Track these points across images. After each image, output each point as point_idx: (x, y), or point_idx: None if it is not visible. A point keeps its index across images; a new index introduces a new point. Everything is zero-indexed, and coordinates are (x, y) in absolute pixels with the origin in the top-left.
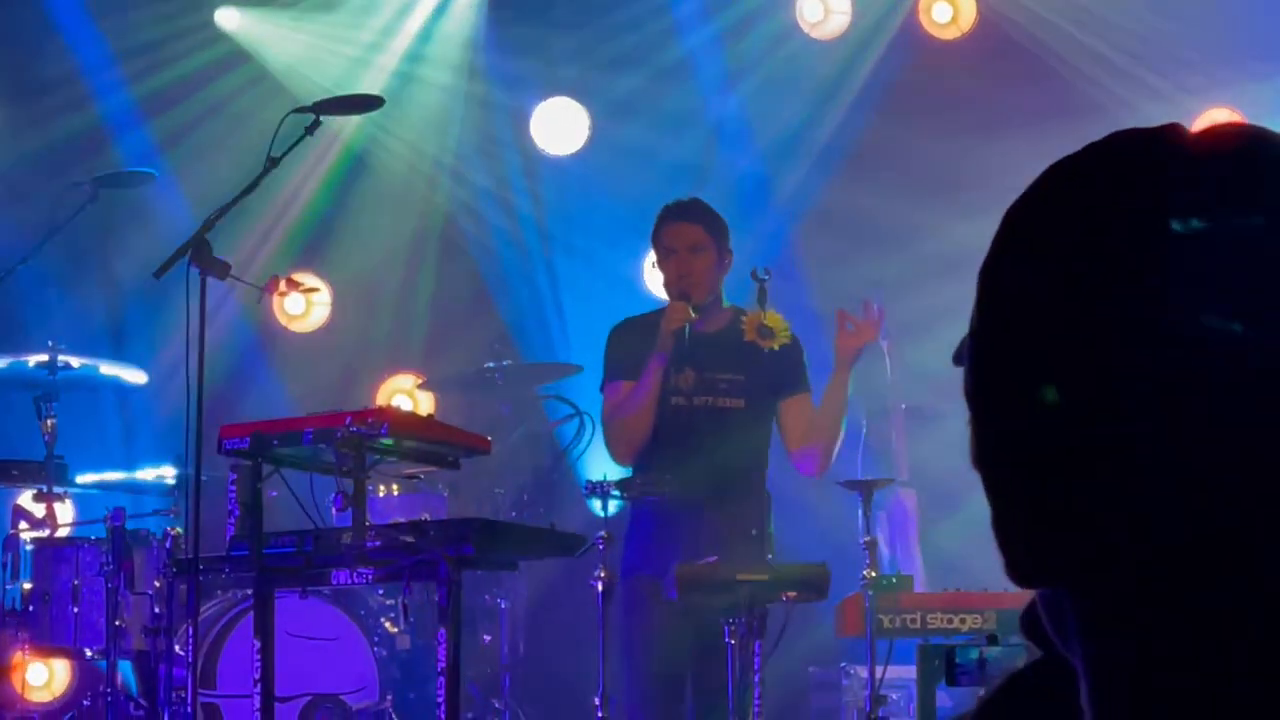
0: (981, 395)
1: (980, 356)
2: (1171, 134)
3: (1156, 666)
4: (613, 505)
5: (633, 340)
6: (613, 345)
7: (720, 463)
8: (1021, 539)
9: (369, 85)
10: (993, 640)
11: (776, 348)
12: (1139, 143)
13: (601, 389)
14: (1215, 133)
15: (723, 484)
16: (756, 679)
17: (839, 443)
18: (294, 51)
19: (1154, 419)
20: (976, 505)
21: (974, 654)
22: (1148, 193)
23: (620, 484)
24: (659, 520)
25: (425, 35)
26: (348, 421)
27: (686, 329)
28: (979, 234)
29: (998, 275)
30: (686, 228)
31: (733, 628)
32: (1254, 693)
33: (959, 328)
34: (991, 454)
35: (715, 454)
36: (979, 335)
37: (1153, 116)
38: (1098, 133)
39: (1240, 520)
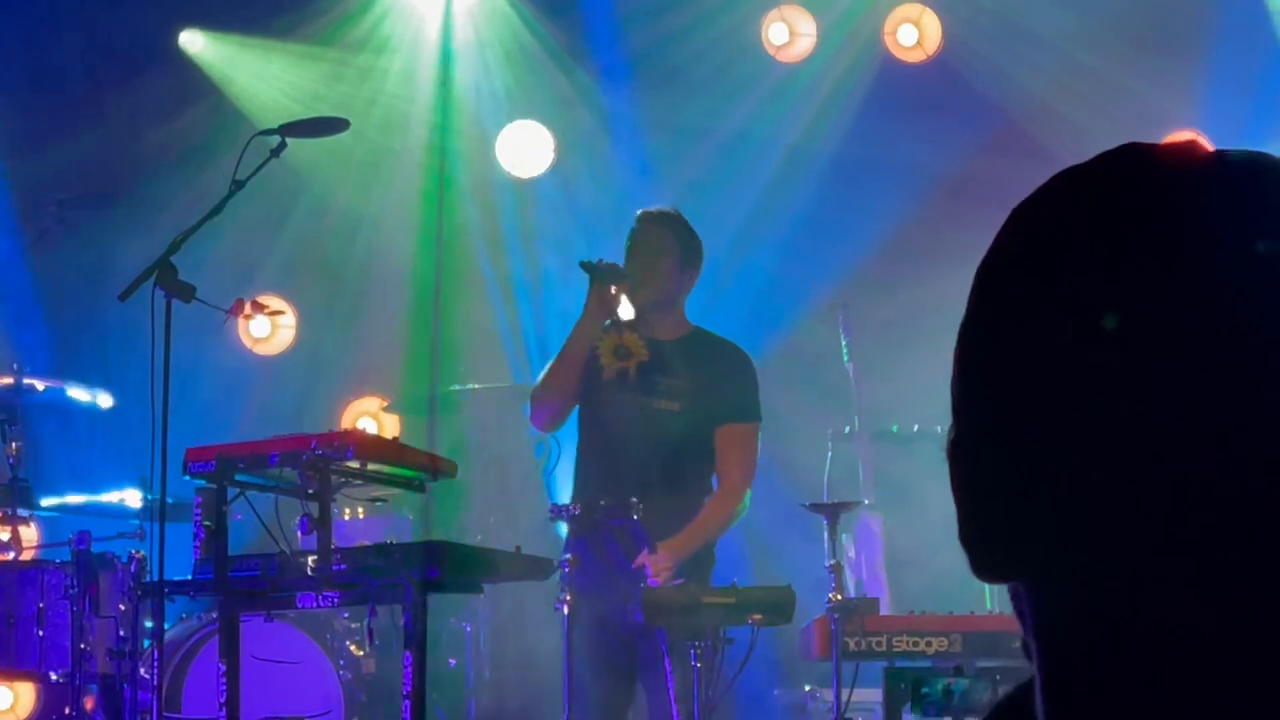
0: (960, 385)
1: (964, 347)
2: (1184, 150)
3: (1107, 663)
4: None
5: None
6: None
7: (653, 464)
8: (982, 531)
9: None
10: (959, 671)
11: (634, 366)
12: (1152, 155)
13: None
14: (1224, 154)
15: (654, 484)
16: (696, 705)
17: (728, 522)
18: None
19: (1120, 416)
20: (942, 527)
21: (940, 684)
22: (1159, 205)
23: (585, 508)
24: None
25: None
26: (313, 444)
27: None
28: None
29: (993, 271)
30: (655, 230)
31: (699, 650)
32: (1208, 697)
33: (921, 351)
34: (962, 445)
35: (649, 455)
36: (967, 327)
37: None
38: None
39: (1203, 520)
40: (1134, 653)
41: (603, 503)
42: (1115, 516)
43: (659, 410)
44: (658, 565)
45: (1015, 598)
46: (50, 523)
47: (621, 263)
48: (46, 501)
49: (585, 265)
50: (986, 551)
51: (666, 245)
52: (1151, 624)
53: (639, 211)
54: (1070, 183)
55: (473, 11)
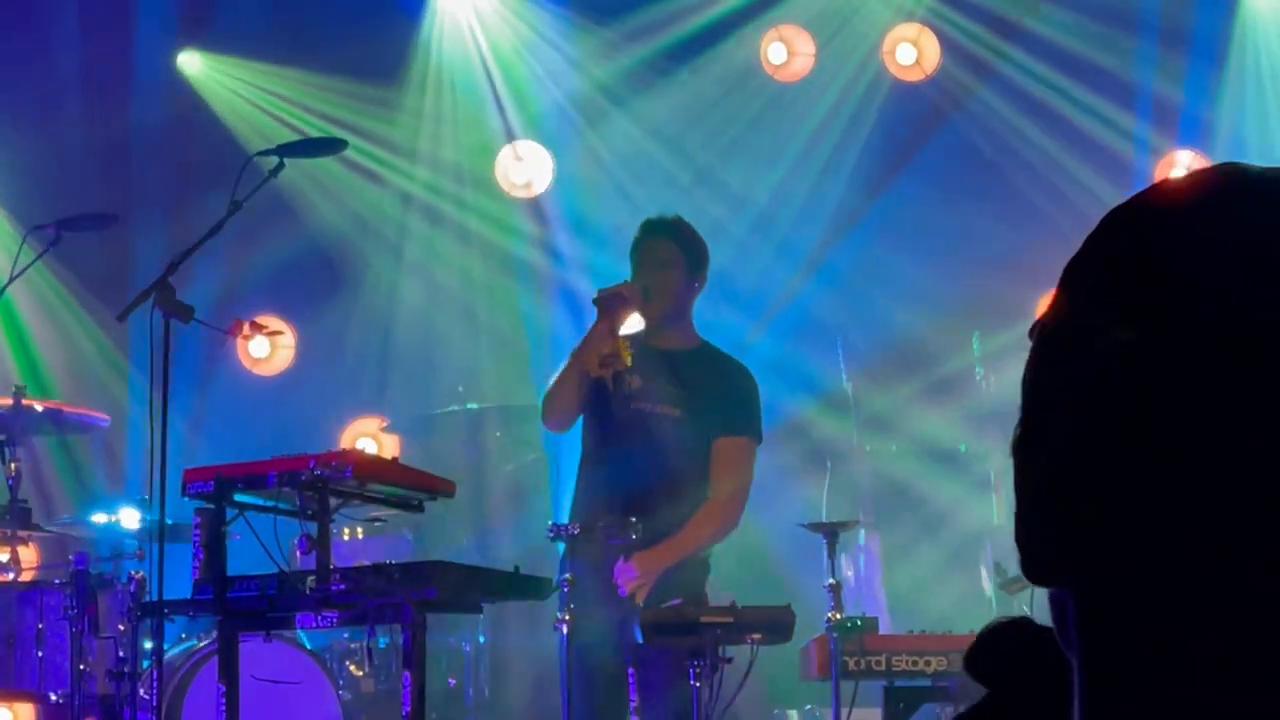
0: (1033, 384)
1: (1043, 345)
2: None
3: (1148, 669)
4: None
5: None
6: None
7: (651, 469)
8: (1041, 534)
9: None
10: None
11: (622, 368)
12: (1248, 176)
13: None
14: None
15: (652, 489)
16: None
17: (726, 511)
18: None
19: (1199, 430)
20: (940, 546)
21: None
22: (1256, 227)
23: (585, 528)
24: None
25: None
26: (312, 465)
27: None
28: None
29: (1082, 274)
30: (658, 243)
31: (698, 669)
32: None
33: (921, 370)
34: (1028, 444)
35: (648, 459)
36: (1049, 325)
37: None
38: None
39: (1252, 535)
40: (1187, 660)
41: (601, 523)
42: (1182, 530)
43: (658, 414)
44: (625, 577)
45: (1057, 603)
46: (49, 544)
47: (630, 275)
48: (45, 522)
49: (595, 299)
50: (1043, 555)
51: (671, 258)
52: (1208, 634)
53: (643, 221)
54: (1168, 196)
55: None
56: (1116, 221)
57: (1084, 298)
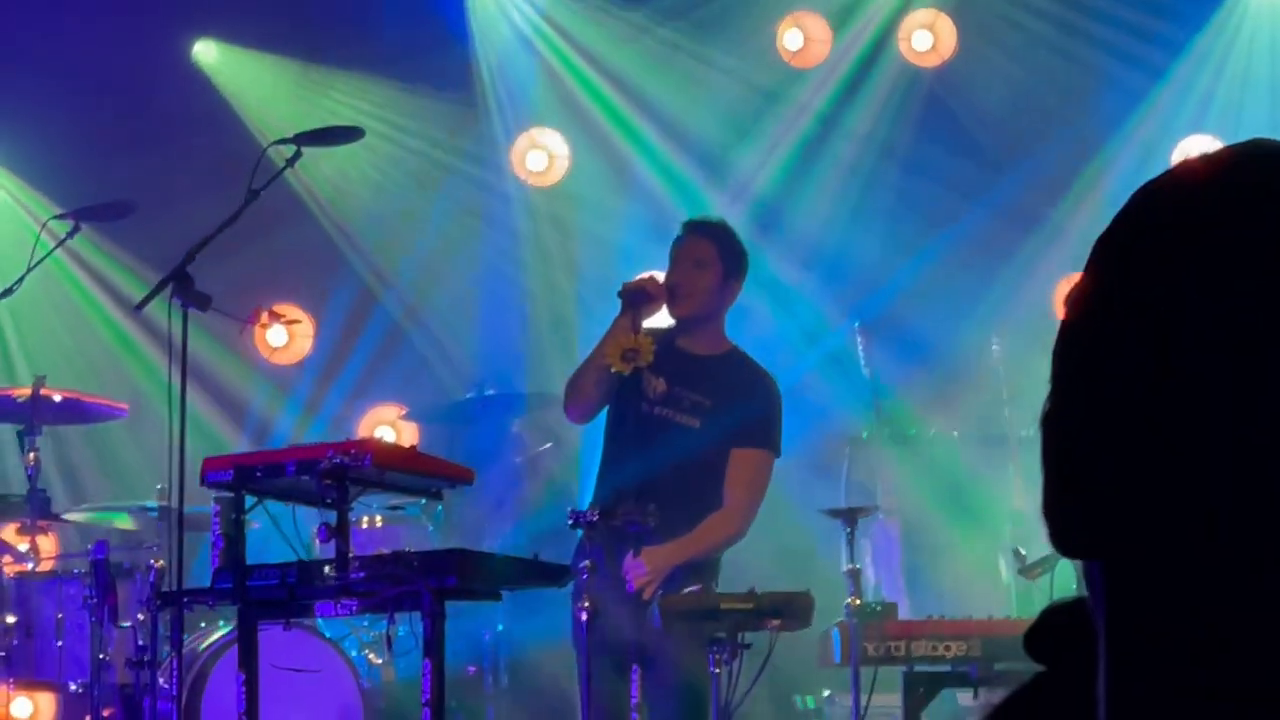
0: (1063, 358)
1: (1074, 319)
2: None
3: (1164, 642)
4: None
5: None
6: None
7: (667, 477)
8: (1066, 508)
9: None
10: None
11: (643, 364)
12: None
13: None
14: None
15: (665, 494)
16: (715, 711)
17: (735, 522)
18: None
19: (1227, 407)
20: (958, 532)
21: None
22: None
23: (604, 514)
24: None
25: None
26: (330, 453)
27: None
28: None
29: (1116, 249)
30: (698, 241)
31: (717, 656)
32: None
33: (939, 354)
34: (1057, 419)
35: (664, 466)
36: (1080, 299)
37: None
38: None
39: (1261, 524)
40: (1211, 632)
41: (621, 510)
42: (1210, 504)
43: (678, 424)
44: (635, 571)
45: (1088, 574)
46: (69, 533)
47: (664, 271)
48: (65, 511)
49: (620, 292)
50: (1069, 527)
51: (708, 259)
52: (1233, 607)
53: (685, 220)
54: (1201, 172)
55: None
56: (1143, 203)
57: (1110, 278)
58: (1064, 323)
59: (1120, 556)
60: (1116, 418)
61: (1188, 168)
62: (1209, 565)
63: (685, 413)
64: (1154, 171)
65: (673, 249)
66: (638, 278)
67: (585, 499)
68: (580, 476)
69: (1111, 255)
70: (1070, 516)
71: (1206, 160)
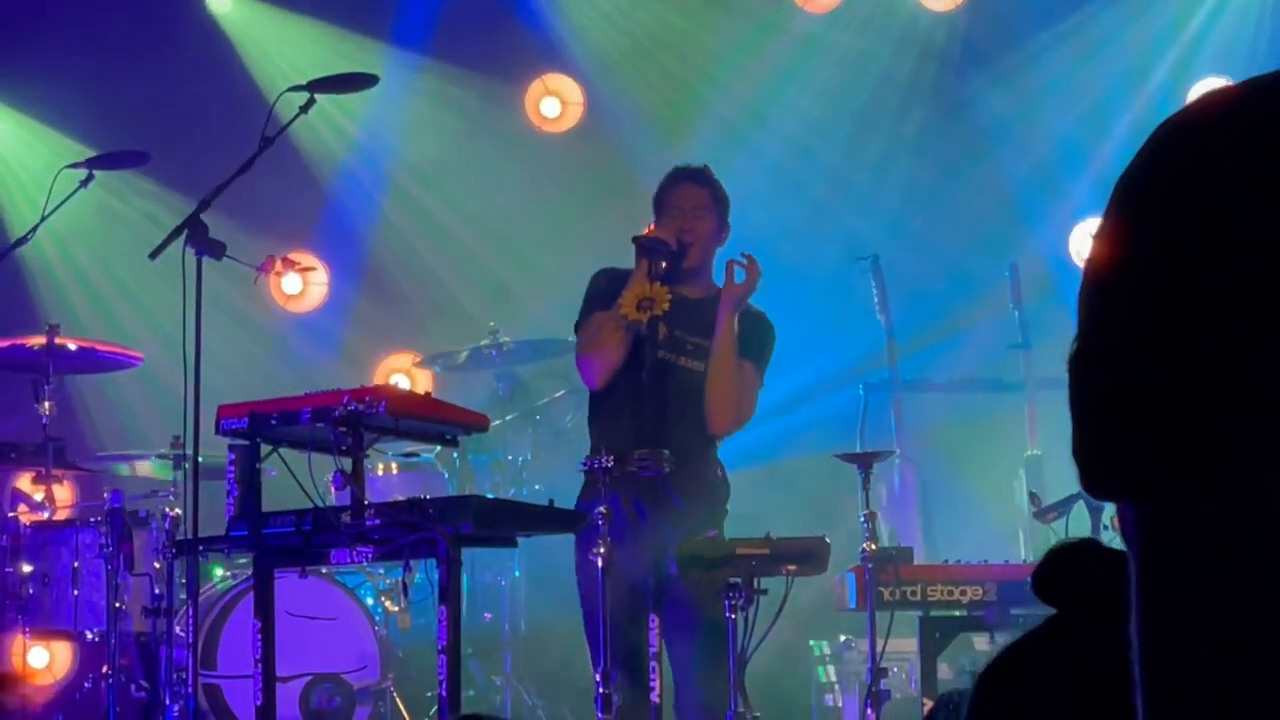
0: (1090, 298)
1: (1099, 259)
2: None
3: (1206, 584)
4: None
5: (611, 284)
6: (591, 286)
7: (677, 420)
8: (1098, 449)
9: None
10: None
11: (659, 313)
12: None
13: (577, 327)
14: None
15: (674, 437)
16: (731, 656)
17: (739, 395)
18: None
19: (1252, 334)
20: (973, 477)
21: None
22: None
23: (619, 460)
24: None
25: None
26: (345, 400)
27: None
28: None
29: (1138, 187)
30: (694, 189)
31: (733, 602)
32: None
33: (955, 301)
34: (1085, 360)
35: (674, 411)
36: (1103, 239)
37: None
38: None
39: None
40: (1240, 569)
41: (637, 454)
42: (1248, 442)
43: (683, 368)
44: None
45: (1121, 517)
46: (84, 482)
47: (653, 220)
48: (80, 460)
49: (636, 241)
50: (1101, 468)
51: (705, 205)
52: (1270, 549)
53: (673, 169)
54: (1220, 107)
55: None
56: (1166, 138)
57: (1137, 214)
58: (1089, 262)
59: (1153, 497)
60: (1148, 355)
61: (1209, 100)
62: (1245, 506)
63: (688, 355)
64: (1160, 110)
65: (665, 198)
66: (648, 229)
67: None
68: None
69: (1137, 191)
70: (1102, 457)
71: (1227, 91)
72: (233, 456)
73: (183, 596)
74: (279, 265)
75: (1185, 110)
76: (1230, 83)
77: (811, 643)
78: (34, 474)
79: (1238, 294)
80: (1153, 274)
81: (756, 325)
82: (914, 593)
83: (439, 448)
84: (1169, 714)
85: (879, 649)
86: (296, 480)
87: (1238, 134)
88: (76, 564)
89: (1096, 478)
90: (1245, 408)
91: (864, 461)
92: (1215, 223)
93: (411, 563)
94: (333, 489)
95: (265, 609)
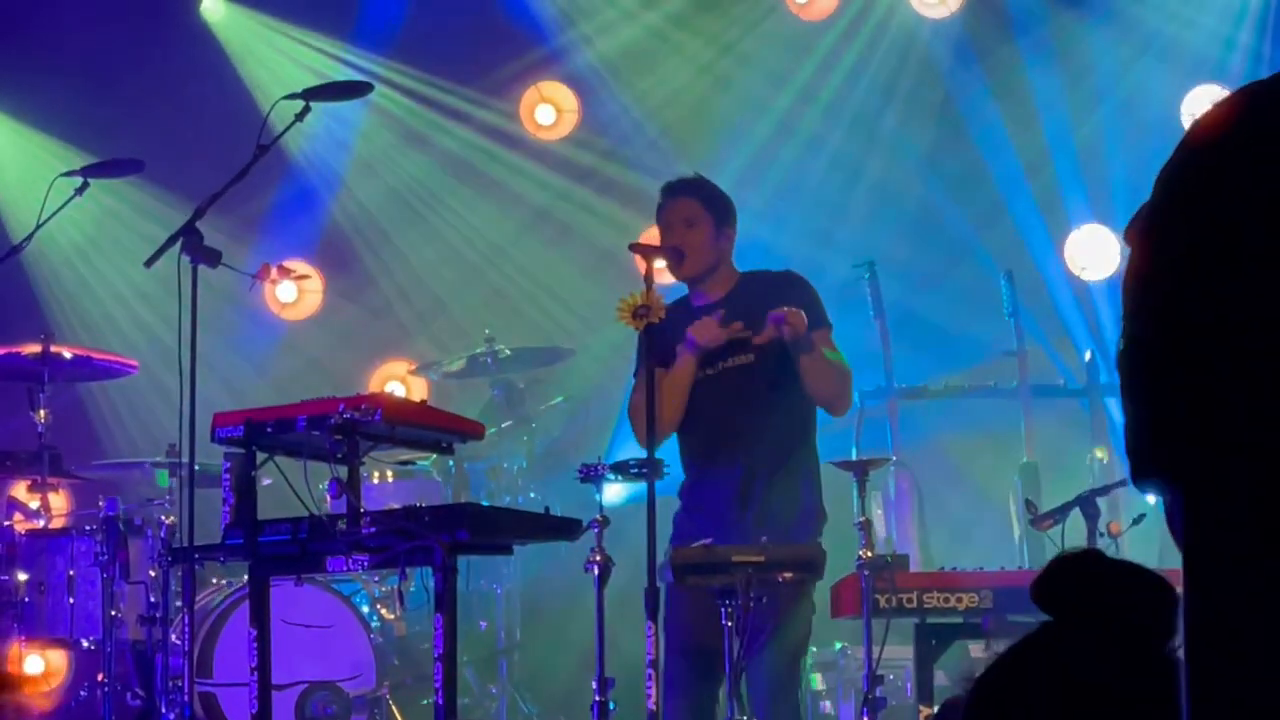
0: (1137, 290)
1: (1145, 251)
2: None
3: (1259, 570)
4: (614, 488)
5: (661, 330)
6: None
7: (744, 425)
8: (1149, 440)
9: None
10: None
11: (655, 320)
12: None
13: (635, 374)
14: None
15: (751, 447)
16: (727, 663)
17: (840, 380)
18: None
19: (1261, 356)
20: (969, 485)
21: None
22: None
23: (615, 467)
24: (698, 491)
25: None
26: (341, 408)
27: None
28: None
29: (1184, 176)
30: (682, 202)
31: (729, 609)
32: None
33: (952, 304)
34: (1135, 352)
35: (736, 418)
36: (1151, 230)
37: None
38: None
39: None
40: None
41: (630, 462)
42: (1264, 442)
43: (735, 369)
44: (776, 318)
45: (1168, 508)
46: (80, 490)
47: (658, 239)
48: (76, 468)
49: (633, 248)
50: (1152, 460)
51: (696, 215)
52: None
53: (663, 185)
54: (1261, 100)
55: None
56: (1205, 135)
57: (1181, 207)
58: (1134, 256)
59: (1201, 484)
60: (1195, 344)
61: (1253, 91)
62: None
63: (736, 355)
64: (1149, 120)
65: (659, 216)
66: (643, 238)
67: (614, 453)
68: (592, 430)
69: (1184, 182)
70: (1152, 446)
71: (1270, 83)
72: (228, 464)
73: (178, 604)
74: (274, 273)
75: (1218, 108)
76: (1232, 91)
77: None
78: (29, 482)
79: (1272, 286)
80: (1181, 266)
81: (798, 291)
82: (910, 600)
83: (435, 455)
84: (1218, 699)
85: (875, 656)
86: (292, 488)
87: (1268, 133)
88: (72, 572)
89: (1141, 467)
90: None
91: (860, 469)
92: (1249, 220)
93: (407, 570)
94: (328, 497)
95: (261, 617)
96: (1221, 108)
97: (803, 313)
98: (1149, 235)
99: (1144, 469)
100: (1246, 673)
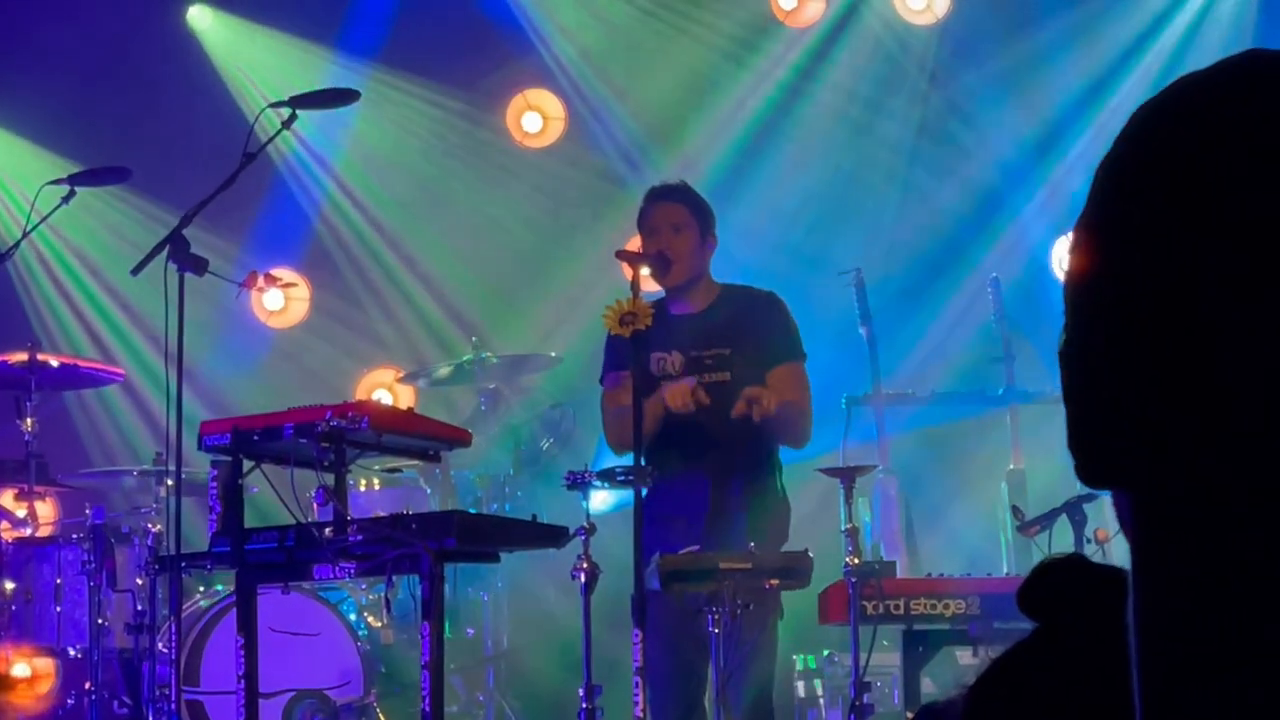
0: (1077, 288)
1: (1082, 248)
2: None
3: (1201, 570)
4: (600, 496)
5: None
6: (612, 336)
7: (718, 438)
8: (1092, 437)
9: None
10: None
11: (642, 328)
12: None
13: (601, 380)
14: None
15: (725, 458)
16: (714, 670)
17: (798, 424)
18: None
19: (1235, 322)
20: (956, 491)
21: None
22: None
23: (601, 474)
24: (668, 502)
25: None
26: (328, 416)
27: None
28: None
29: (1118, 174)
30: (670, 207)
31: (715, 616)
32: None
33: (939, 310)
34: (1075, 350)
35: (712, 431)
36: (1086, 227)
37: None
38: None
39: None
40: (1240, 559)
41: (618, 468)
42: (1236, 427)
43: (710, 384)
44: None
45: (1117, 506)
46: (66, 498)
47: (639, 246)
48: (63, 477)
49: (619, 255)
50: (1096, 457)
51: (683, 221)
52: (1263, 533)
53: (649, 189)
54: (1197, 90)
55: None
56: (1147, 121)
57: (1120, 200)
58: (1074, 250)
59: (1147, 485)
60: (1135, 343)
61: (1190, 81)
62: (1236, 492)
63: (710, 370)
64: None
65: (643, 221)
66: (628, 246)
67: (600, 459)
68: (578, 437)
69: (1120, 176)
70: (1095, 446)
71: (1207, 72)
72: (215, 472)
73: (165, 612)
74: (261, 281)
75: (1161, 95)
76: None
77: (795, 657)
78: (16, 490)
79: (1206, 280)
80: (1118, 260)
81: (777, 316)
82: (897, 606)
83: (421, 463)
84: (1166, 699)
85: (862, 663)
86: (279, 496)
87: (1209, 123)
88: (59, 580)
89: (1085, 467)
90: (1217, 396)
91: (847, 475)
92: (1186, 214)
93: (394, 578)
94: (315, 505)
95: (248, 625)
96: (1157, 101)
97: (772, 394)
98: (1087, 232)
99: (1088, 469)
100: (1194, 672)
